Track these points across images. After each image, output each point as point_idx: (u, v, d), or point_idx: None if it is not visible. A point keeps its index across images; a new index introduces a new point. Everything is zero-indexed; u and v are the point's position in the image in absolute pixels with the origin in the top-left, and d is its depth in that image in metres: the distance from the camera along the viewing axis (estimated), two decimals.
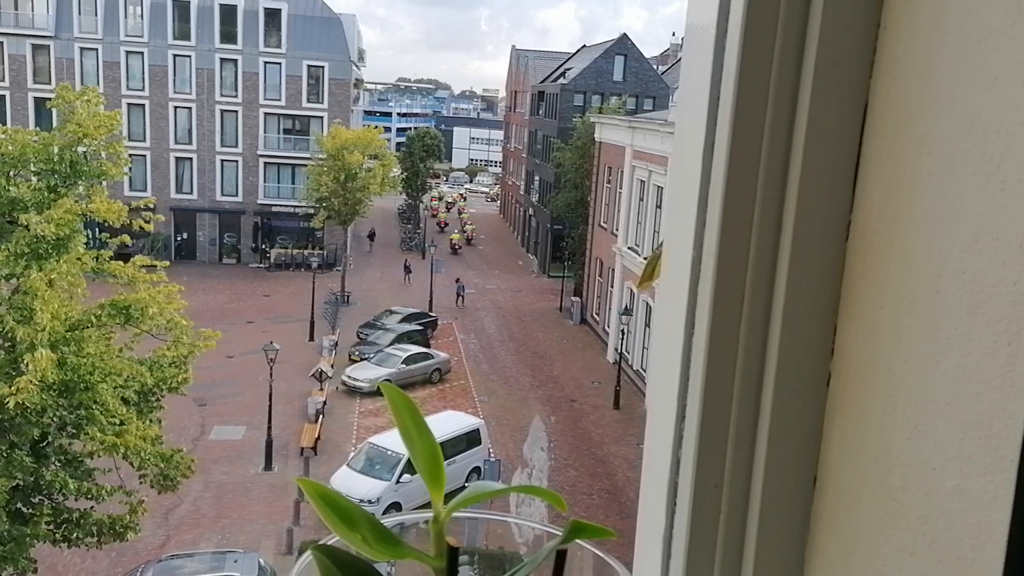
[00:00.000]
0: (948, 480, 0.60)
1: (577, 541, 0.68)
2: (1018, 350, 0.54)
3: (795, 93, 0.75)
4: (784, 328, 0.76)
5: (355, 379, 30.94)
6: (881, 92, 0.71)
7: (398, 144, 79.26)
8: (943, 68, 0.63)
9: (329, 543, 0.64)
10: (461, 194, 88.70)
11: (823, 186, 0.75)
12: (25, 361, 13.99)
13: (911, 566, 0.64)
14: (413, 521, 0.71)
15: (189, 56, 50.54)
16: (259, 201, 52.54)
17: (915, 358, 0.64)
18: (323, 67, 52.08)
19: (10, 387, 13.72)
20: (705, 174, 0.80)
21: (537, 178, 59.99)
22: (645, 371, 31.40)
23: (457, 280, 45.68)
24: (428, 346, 35.23)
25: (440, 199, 79.52)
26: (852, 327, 0.74)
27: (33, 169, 16.03)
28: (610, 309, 37.41)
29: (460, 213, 75.61)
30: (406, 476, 21.66)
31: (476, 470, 23.96)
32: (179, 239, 51.48)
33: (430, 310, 41.33)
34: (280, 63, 51.53)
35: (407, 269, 48.39)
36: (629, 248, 35.79)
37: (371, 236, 56.12)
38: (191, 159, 51.60)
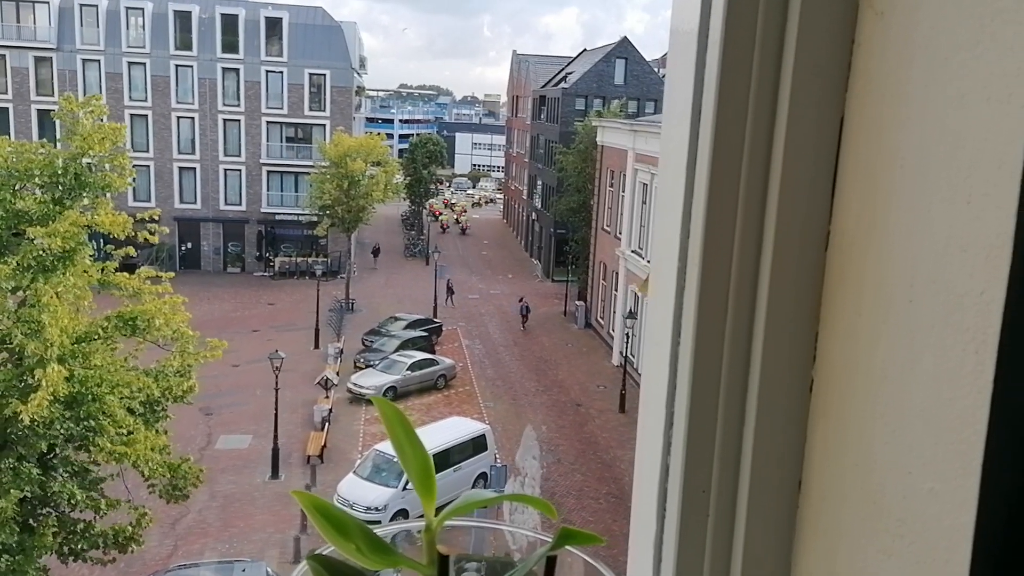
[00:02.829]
0: (924, 483, 0.62)
1: (568, 548, 0.70)
2: (985, 358, 0.56)
3: (774, 105, 0.77)
4: (767, 335, 0.78)
5: (361, 386, 30.94)
6: (856, 106, 0.73)
7: (400, 150, 79.44)
8: (913, 84, 0.65)
9: (324, 553, 0.66)
10: (451, 203, 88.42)
11: (802, 196, 0.77)
12: (36, 376, 14.00)
13: (890, 567, 0.65)
14: (407, 530, 0.73)
15: (191, 66, 50.71)
16: (263, 210, 52.65)
17: (892, 365, 0.66)
18: (325, 75, 52.21)
19: (25, 403, 13.73)
20: (688, 185, 0.82)
21: (540, 182, 60.02)
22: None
23: (521, 300, 42.92)
24: (433, 352, 35.23)
25: (450, 206, 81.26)
26: (833, 334, 0.75)
27: (38, 182, 16.09)
28: (615, 312, 37.40)
29: (460, 209, 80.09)
30: None
31: (483, 476, 23.92)
32: (183, 249, 51.59)
33: (435, 315, 41.35)
34: (282, 72, 51.67)
35: (449, 290, 44.93)
36: (633, 251, 35.79)
37: (375, 252, 55.62)
38: (195, 169, 51.75)
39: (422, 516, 0.70)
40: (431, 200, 72.02)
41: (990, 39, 0.57)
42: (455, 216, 75.80)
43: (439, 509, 0.66)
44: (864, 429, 0.69)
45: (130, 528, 15.78)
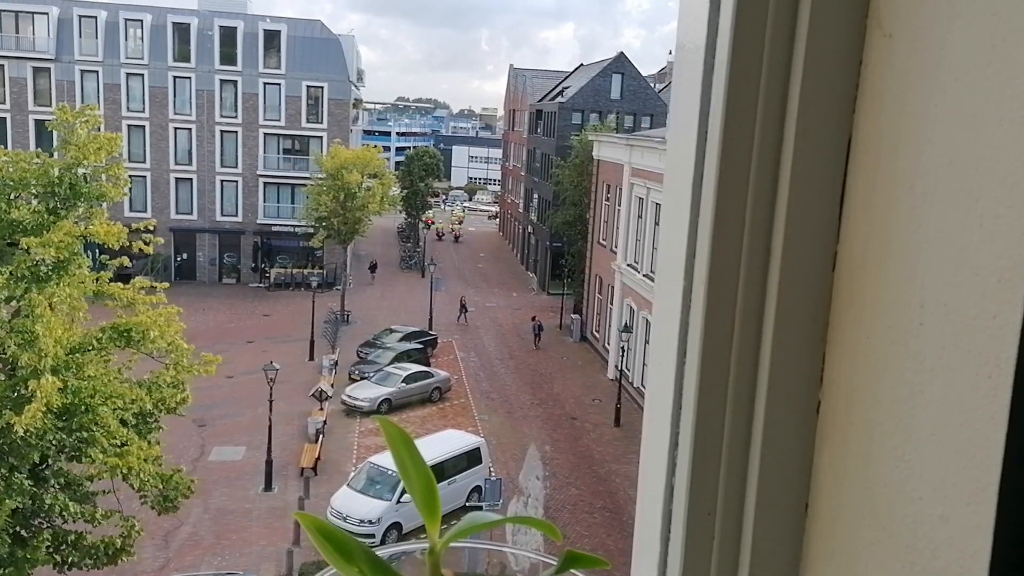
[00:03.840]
0: (934, 509, 0.61)
1: (574, 572, 0.69)
2: (998, 383, 0.55)
3: (781, 124, 0.76)
4: (774, 356, 0.77)
5: (355, 398, 30.86)
6: (865, 126, 0.73)
7: (397, 163, 79.66)
8: (923, 105, 0.65)
9: None
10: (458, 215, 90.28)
11: (810, 215, 0.76)
12: (30, 387, 13.91)
13: None
14: (409, 552, 0.72)
15: (189, 78, 50.79)
16: (259, 221, 52.63)
17: (900, 388, 0.66)
18: (322, 87, 52.32)
19: (19, 414, 13.64)
20: (694, 203, 0.81)
21: (536, 196, 60.13)
22: (646, 388, 31.30)
23: (534, 318, 42.25)
24: (428, 364, 35.15)
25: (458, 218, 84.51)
26: (841, 355, 0.75)
27: (33, 191, 16.05)
28: (610, 326, 37.38)
29: (456, 218, 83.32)
30: (407, 496, 21.48)
31: (477, 489, 23.84)
32: (179, 259, 51.51)
33: (430, 328, 41.29)
34: (279, 84, 51.77)
35: (463, 308, 44.51)
36: (628, 265, 35.82)
37: (372, 268, 55.35)
38: (191, 180, 51.74)
39: (423, 536, 0.69)
40: (429, 212, 72.66)
41: (1003, 59, 0.57)
42: (450, 225, 77.67)
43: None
44: (872, 452, 0.68)
45: (119, 540, 15.66)
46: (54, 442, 14.81)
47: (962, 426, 0.58)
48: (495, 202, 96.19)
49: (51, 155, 17.25)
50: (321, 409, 29.36)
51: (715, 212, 0.78)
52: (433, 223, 74.18)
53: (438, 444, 23.82)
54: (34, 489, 14.63)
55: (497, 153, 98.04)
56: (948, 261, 0.61)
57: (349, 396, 31.04)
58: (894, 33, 0.68)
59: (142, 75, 50.34)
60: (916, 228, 0.65)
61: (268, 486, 24.98)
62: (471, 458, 24.43)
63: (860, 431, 0.70)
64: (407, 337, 38.12)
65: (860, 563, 0.69)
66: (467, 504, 22.94)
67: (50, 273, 14.97)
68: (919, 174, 0.65)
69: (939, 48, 0.63)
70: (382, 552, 0.68)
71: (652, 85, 57.66)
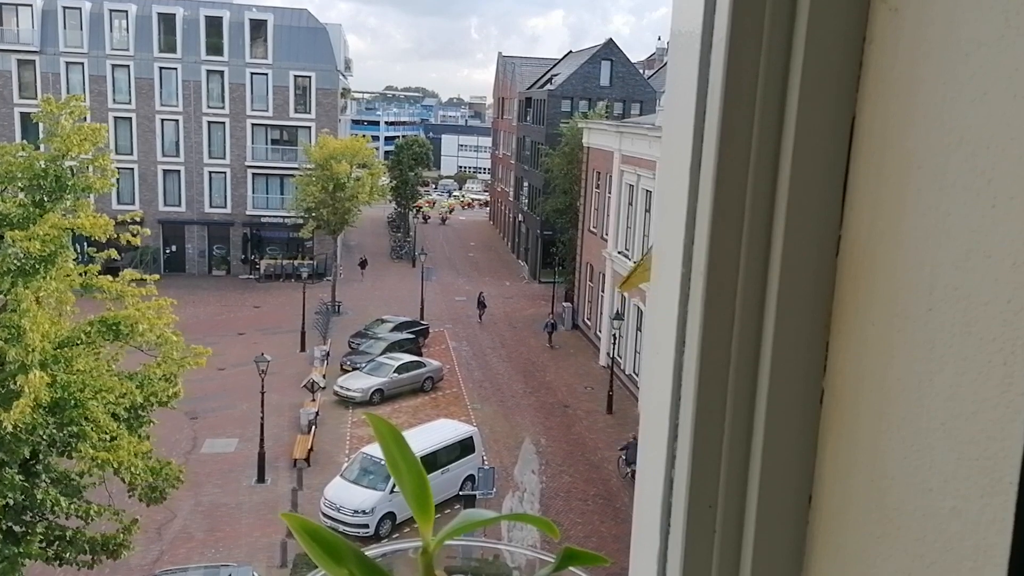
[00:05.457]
0: (945, 501, 0.59)
1: (572, 569, 0.67)
2: (1014, 369, 0.53)
3: (782, 105, 0.74)
4: (776, 345, 0.75)
5: (347, 389, 30.83)
6: (869, 106, 0.70)
7: (386, 152, 79.39)
8: (931, 82, 0.62)
9: None
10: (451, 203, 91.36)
11: (812, 199, 0.74)
12: (17, 383, 13.81)
13: None
14: (401, 550, 0.70)
15: (175, 68, 50.40)
16: (248, 212, 52.38)
17: (908, 376, 0.64)
18: (310, 77, 52.02)
19: (7, 410, 13.55)
20: (692, 189, 0.79)
21: (526, 184, 60.04)
22: (637, 375, 31.40)
23: (550, 315, 41.22)
24: (420, 354, 35.13)
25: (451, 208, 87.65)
26: (844, 344, 0.73)
27: (19, 184, 15.89)
28: (601, 314, 37.43)
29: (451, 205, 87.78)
30: None
31: (470, 478, 23.87)
32: (168, 251, 51.25)
33: (421, 318, 41.25)
34: (267, 74, 51.44)
35: (481, 304, 43.34)
36: (619, 252, 35.83)
37: (362, 264, 54.80)
38: (179, 171, 51.43)
39: (416, 527, 0.67)
40: (425, 199, 73.26)
41: (1015, 33, 0.55)
42: (438, 210, 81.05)
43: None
44: (879, 443, 0.66)
45: (120, 535, 15.63)
46: (44, 437, 14.73)
47: (975, 415, 0.56)
48: (485, 190, 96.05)
49: (37, 147, 17.08)
50: (313, 400, 29.31)
51: (714, 198, 0.76)
52: (421, 207, 74.70)
53: (431, 434, 23.84)
54: (25, 484, 14.54)
55: (487, 142, 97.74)
56: (958, 244, 0.59)
57: (341, 387, 31.00)
58: (900, 7, 0.66)
59: (128, 66, 49.93)
60: (924, 211, 0.62)
61: (261, 478, 24.95)
62: (464, 447, 24.45)
63: (866, 421, 0.68)
64: (399, 327, 38.08)
65: (867, 556, 0.67)
66: (460, 493, 22.98)
67: (36, 267, 14.83)
68: (927, 154, 0.63)
69: (948, 22, 0.61)
70: (373, 552, 0.66)
71: (641, 72, 57.56)
